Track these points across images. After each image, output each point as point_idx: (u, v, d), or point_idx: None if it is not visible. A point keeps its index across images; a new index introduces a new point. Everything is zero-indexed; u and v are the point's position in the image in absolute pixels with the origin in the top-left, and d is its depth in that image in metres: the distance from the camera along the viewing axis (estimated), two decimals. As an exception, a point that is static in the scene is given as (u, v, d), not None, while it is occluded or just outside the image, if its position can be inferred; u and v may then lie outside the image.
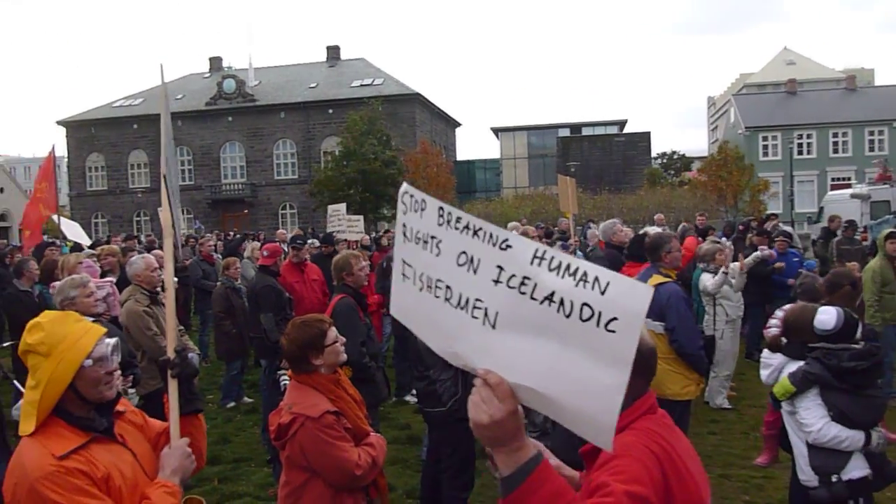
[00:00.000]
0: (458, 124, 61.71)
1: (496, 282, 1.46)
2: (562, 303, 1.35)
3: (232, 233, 22.75)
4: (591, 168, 47.18)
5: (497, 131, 57.91)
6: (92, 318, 4.14)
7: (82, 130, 50.32)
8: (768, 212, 26.79)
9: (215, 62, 55.01)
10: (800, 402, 3.91)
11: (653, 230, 8.23)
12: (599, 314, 1.30)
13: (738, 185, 34.43)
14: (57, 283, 7.12)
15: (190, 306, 12.86)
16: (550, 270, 1.38)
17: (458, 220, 1.55)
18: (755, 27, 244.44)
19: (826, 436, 3.74)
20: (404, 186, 1.74)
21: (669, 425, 1.97)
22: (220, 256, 12.91)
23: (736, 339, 8.12)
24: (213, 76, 51.82)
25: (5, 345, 6.60)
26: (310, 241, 11.26)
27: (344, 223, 13.24)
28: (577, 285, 1.34)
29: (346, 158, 34.91)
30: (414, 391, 8.54)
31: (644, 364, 1.91)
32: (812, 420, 3.81)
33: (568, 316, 1.34)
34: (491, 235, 1.48)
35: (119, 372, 3.54)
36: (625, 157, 49.88)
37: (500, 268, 1.45)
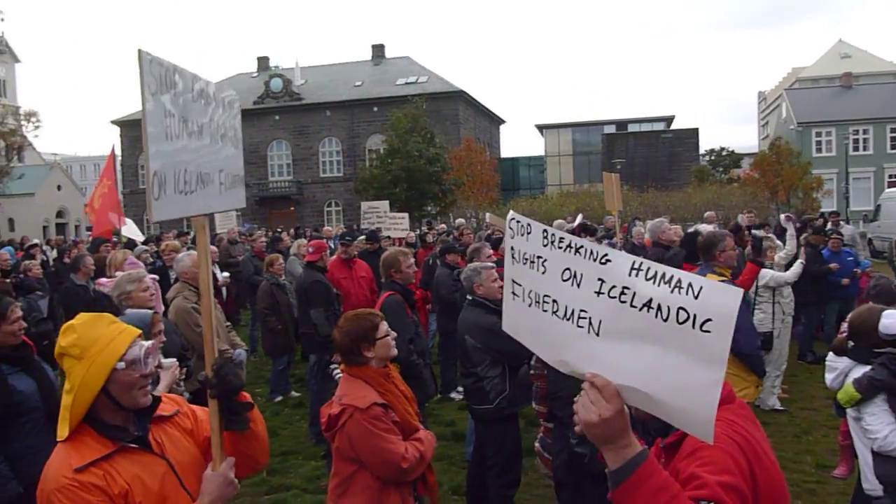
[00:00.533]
0: (502, 121, 61.49)
1: (598, 293, 1.62)
2: (659, 308, 1.48)
3: (279, 229, 23.08)
4: (637, 165, 46.51)
5: (541, 128, 57.52)
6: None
7: (135, 129, 51.54)
8: (823, 210, 26.08)
9: (263, 62, 55.86)
10: (865, 409, 3.77)
11: (704, 228, 8.09)
12: (695, 316, 1.42)
13: (790, 182, 33.54)
14: (103, 280, 7.35)
15: (242, 301, 13.09)
16: (647, 280, 1.52)
17: (561, 240, 1.74)
18: (808, 20, 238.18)
19: (892, 444, 3.61)
20: (511, 213, 1.96)
21: (746, 415, 2.00)
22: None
23: (788, 337, 7.95)
24: (261, 75, 52.63)
25: (44, 343, 6.80)
26: (360, 238, 11.37)
27: (386, 220, 13.30)
28: (672, 292, 1.47)
29: (391, 156, 35.07)
30: (459, 388, 8.55)
31: None
32: (878, 427, 3.67)
33: (665, 320, 1.47)
34: (591, 252, 1.65)
35: (177, 367, 3.64)
36: (671, 153, 49.04)
37: (602, 280, 1.62)
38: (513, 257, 1.94)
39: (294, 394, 9.02)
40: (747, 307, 5.40)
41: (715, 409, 1.42)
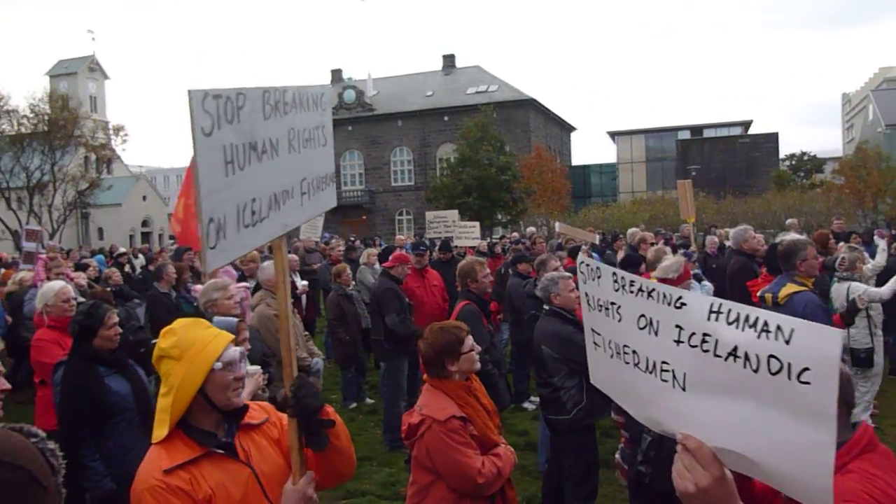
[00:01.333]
0: (573, 129, 60.96)
1: (678, 342, 1.43)
2: (747, 357, 1.29)
3: (352, 238, 23.48)
4: (713, 171, 45.36)
5: (613, 135, 56.74)
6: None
7: (215, 141, 53.44)
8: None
9: (336, 74, 57.13)
10: None
11: (789, 237, 7.84)
12: (789, 366, 1.22)
13: (877, 186, 31.98)
14: (199, 287, 7.64)
15: (319, 308, 13.36)
16: (729, 324, 1.32)
17: (632, 283, 1.57)
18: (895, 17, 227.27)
19: None
20: (580, 257, 1.80)
21: (889, 464, 1.77)
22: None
23: (882, 351, 7.60)
24: (335, 87, 53.80)
25: (153, 342, 7.13)
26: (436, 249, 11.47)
27: (456, 229, 13.31)
28: (759, 337, 1.27)
29: (462, 165, 35.24)
30: (532, 398, 8.50)
31: (845, 394, 1.80)
32: None
33: (756, 371, 1.27)
34: (665, 296, 1.47)
35: (260, 373, 3.76)
36: (749, 159, 47.58)
37: (679, 327, 1.43)
38: (588, 304, 1.77)
39: (368, 400, 9.14)
40: (829, 317, 5.19)
41: (830, 477, 1.19)
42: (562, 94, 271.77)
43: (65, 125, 40.25)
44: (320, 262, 13.12)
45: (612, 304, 1.64)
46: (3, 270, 12.58)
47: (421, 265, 8.33)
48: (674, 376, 1.45)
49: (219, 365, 2.16)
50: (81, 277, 9.10)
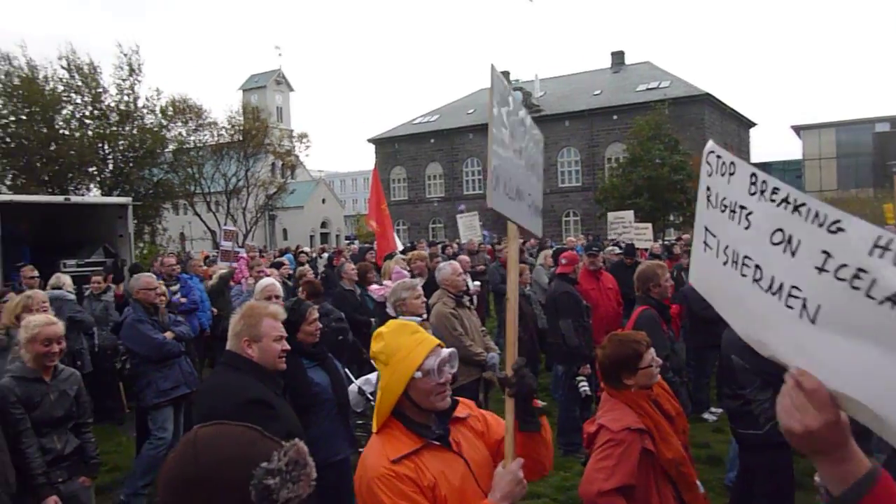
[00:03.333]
0: (753, 124, 57.31)
1: (821, 270, 1.23)
2: None
3: (521, 240, 23.59)
4: (919, 167, 40.81)
5: (798, 129, 52.64)
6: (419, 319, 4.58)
7: (387, 146, 55.88)
8: None
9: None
10: None
11: None
12: None
13: None
14: (374, 287, 8.04)
15: (489, 309, 13.55)
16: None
17: (775, 191, 1.35)
18: None
19: None
20: (709, 145, 1.58)
21: None
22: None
23: None
24: (502, 90, 54.31)
25: (339, 338, 7.58)
26: (607, 249, 11.25)
27: (631, 231, 12.99)
28: None
29: (633, 165, 34.24)
30: (713, 409, 8.11)
31: None
32: None
33: None
34: (817, 214, 1.25)
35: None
36: (966, 152, 42.30)
37: (827, 254, 1.22)
38: (708, 199, 1.57)
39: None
40: None
41: None
42: (740, 87, 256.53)
43: (256, 135, 43.82)
44: (487, 263, 13.29)
45: (742, 208, 1.43)
46: (205, 267, 13.94)
47: (595, 267, 8.20)
48: (804, 306, 1.27)
49: (419, 374, 2.26)
50: (275, 275, 9.87)
